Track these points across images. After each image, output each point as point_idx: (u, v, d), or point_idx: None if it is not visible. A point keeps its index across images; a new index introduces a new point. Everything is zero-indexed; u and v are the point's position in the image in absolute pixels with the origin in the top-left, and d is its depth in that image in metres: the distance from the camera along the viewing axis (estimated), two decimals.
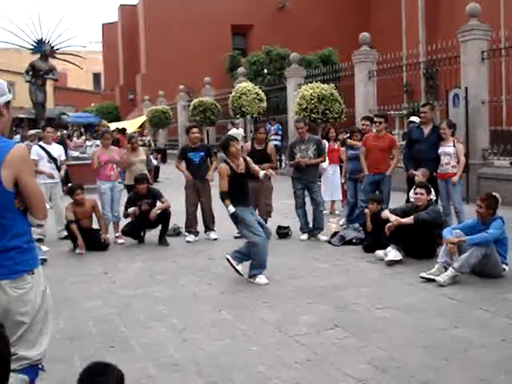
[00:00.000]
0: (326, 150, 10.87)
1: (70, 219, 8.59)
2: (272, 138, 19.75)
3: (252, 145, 9.38)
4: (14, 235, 3.05)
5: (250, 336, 4.90)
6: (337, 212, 11.16)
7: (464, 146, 11.08)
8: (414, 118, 12.15)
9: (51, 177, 9.48)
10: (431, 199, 7.68)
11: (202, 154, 9.25)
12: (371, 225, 8.13)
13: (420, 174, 8.21)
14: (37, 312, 3.14)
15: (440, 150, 8.40)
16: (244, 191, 6.89)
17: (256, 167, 7.18)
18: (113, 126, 26.95)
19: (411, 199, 7.86)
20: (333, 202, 11.42)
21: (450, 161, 8.31)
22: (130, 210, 8.85)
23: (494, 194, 6.64)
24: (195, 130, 9.34)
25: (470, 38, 12.44)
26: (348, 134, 10.72)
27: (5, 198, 3.00)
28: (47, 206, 9.43)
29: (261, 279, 6.54)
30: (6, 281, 3.03)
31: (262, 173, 7.13)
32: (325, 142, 11.02)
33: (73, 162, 15.18)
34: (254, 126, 10.19)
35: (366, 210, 8.30)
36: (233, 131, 19.66)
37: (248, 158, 7.23)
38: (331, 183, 11.17)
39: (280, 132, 20.21)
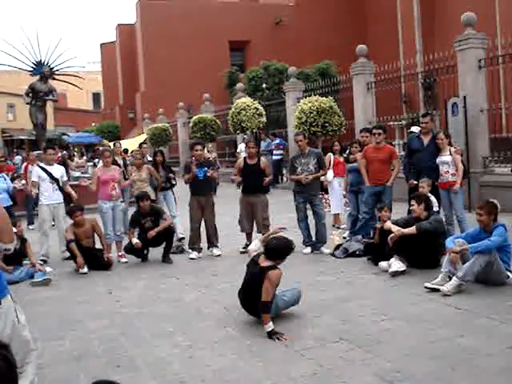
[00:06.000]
0: (332, 162, 10.88)
1: (69, 239, 8.59)
2: (274, 152, 19.84)
3: (245, 160, 9.42)
4: None
5: (256, 351, 4.89)
6: (342, 226, 10.88)
7: (464, 154, 11.12)
8: (414, 129, 12.16)
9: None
10: (432, 209, 7.67)
11: (206, 169, 9.23)
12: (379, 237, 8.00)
13: (425, 185, 8.21)
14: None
15: (438, 160, 8.46)
16: None
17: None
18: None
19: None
20: (337, 214, 11.30)
21: (449, 169, 8.35)
22: (133, 241, 8.85)
23: (490, 200, 6.65)
24: (198, 147, 9.33)
25: (467, 47, 12.50)
26: (348, 151, 10.60)
27: None
28: (47, 225, 9.41)
29: None
30: None
31: None
32: (330, 154, 11.02)
33: (74, 183, 15.14)
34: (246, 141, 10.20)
35: (378, 225, 8.12)
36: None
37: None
38: (339, 196, 11.06)
39: (283, 146, 20.16)
